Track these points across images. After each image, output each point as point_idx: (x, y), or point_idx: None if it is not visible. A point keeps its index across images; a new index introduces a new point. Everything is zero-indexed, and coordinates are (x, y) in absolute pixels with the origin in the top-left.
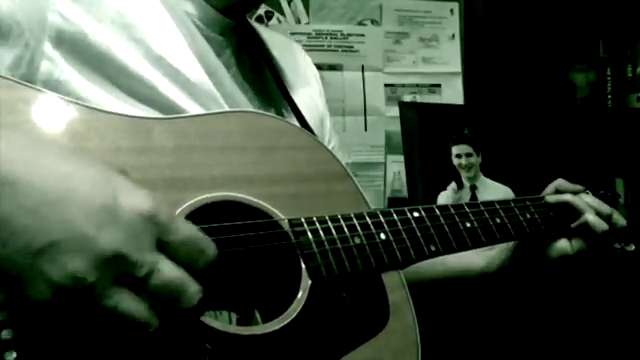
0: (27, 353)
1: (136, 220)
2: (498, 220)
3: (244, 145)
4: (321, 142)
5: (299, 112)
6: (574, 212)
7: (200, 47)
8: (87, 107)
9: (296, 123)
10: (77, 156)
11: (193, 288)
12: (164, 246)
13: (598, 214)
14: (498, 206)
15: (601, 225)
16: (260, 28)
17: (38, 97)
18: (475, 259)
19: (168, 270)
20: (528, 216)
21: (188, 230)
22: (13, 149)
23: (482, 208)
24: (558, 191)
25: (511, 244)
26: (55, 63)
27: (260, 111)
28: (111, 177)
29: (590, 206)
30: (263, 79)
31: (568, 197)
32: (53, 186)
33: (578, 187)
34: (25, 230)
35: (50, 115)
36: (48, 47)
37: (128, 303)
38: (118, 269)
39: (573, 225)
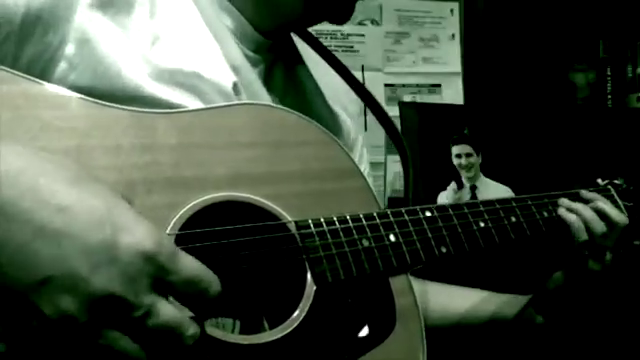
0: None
1: (135, 261)
2: (514, 219)
3: (251, 141)
4: (333, 136)
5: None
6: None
7: (235, 58)
8: (90, 101)
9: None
10: (81, 181)
11: (191, 330)
12: (165, 286)
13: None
14: (514, 204)
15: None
16: (300, 44)
17: (41, 91)
18: (506, 309)
19: (166, 311)
20: (545, 214)
21: (191, 268)
22: (16, 172)
23: (498, 206)
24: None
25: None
26: (73, 66)
27: (269, 103)
28: (113, 210)
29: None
30: (296, 99)
31: (572, 218)
32: (51, 218)
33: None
34: (21, 262)
35: (52, 110)
36: (70, 49)
37: (122, 343)
38: (112, 310)
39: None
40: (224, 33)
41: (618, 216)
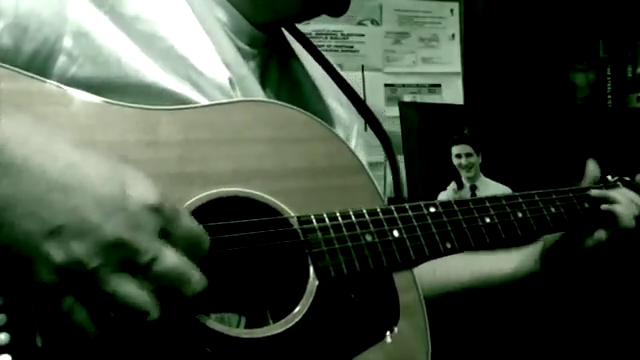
0: (21, 339)
1: (142, 210)
2: (520, 214)
3: (254, 137)
4: (336, 133)
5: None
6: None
7: (228, 53)
8: (93, 98)
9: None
10: (87, 145)
11: (196, 276)
12: (167, 236)
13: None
14: (521, 200)
15: (627, 221)
16: (291, 38)
17: (43, 88)
18: (504, 265)
19: (171, 258)
20: (553, 210)
21: (190, 223)
22: (25, 133)
23: (504, 202)
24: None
25: (539, 246)
26: (73, 59)
27: (272, 100)
28: (120, 167)
29: (629, 200)
30: (292, 93)
31: (608, 192)
32: (63, 172)
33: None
34: (33, 214)
35: (55, 107)
36: (68, 42)
37: (128, 288)
38: (121, 255)
39: (602, 207)
40: (216, 28)
41: None
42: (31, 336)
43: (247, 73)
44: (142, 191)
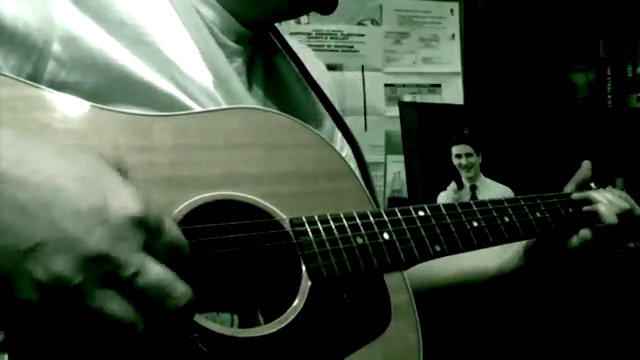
0: (19, 354)
1: (124, 222)
2: (507, 219)
3: (246, 142)
4: (326, 139)
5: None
6: (590, 204)
7: (212, 53)
8: (88, 104)
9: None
10: (69, 151)
11: (181, 289)
12: (151, 247)
13: (616, 210)
14: (507, 204)
15: (610, 218)
16: (280, 36)
17: (38, 95)
18: (490, 261)
19: (155, 271)
20: (538, 215)
21: (174, 233)
22: (5, 146)
23: (490, 207)
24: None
25: (524, 242)
26: (62, 64)
27: (263, 107)
28: (102, 176)
29: (609, 200)
30: (277, 89)
31: (590, 193)
32: (42, 185)
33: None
34: (12, 229)
35: (50, 112)
36: (56, 47)
37: (113, 304)
38: (103, 270)
39: (585, 209)
40: (201, 27)
41: (625, 204)
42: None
43: (231, 74)
44: (124, 202)
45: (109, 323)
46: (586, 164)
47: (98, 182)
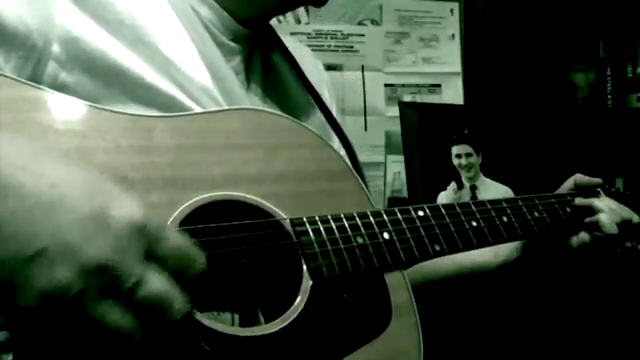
0: (23, 355)
1: (125, 230)
2: (505, 219)
3: (246, 143)
4: (325, 140)
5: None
6: (592, 212)
7: (210, 52)
8: (88, 105)
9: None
10: (72, 161)
11: (179, 302)
12: (153, 257)
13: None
14: (505, 204)
15: (611, 228)
16: (275, 34)
17: (39, 95)
18: (487, 254)
19: (155, 282)
20: (536, 215)
21: (177, 241)
22: (9, 153)
23: (489, 207)
24: (577, 186)
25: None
26: (62, 64)
27: (263, 109)
28: (104, 185)
29: (610, 209)
30: (275, 87)
31: (592, 200)
32: (45, 192)
33: (596, 180)
34: (15, 236)
35: (51, 113)
36: (56, 48)
37: (113, 314)
38: (104, 280)
39: (586, 220)
40: (198, 27)
41: (627, 212)
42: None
43: (229, 73)
44: (125, 211)
45: (109, 331)
46: (576, 178)
47: (101, 190)
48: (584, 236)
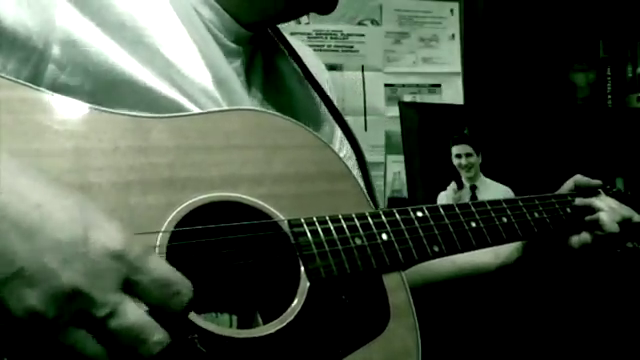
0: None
1: (103, 257)
2: (505, 220)
3: (245, 144)
4: (324, 141)
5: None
6: (592, 211)
7: (211, 53)
8: (87, 106)
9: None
10: (55, 185)
11: (156, 337)
12: (133, 286)
13: (616, 217)
14: (505, 205)
15: (611, 227)
16: (281, 35)
17: (38, 97)
18: (488, 255)
19: (131, 313)
20: (536, 215)
21: (160, 270)
22: None
23: (488, 207)
24: (577, 187)
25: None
26: (62, 67)
27: (262, 109)
28: (86, 209)
29: (610, 208)
30: (277, 88)
31: (592, 200)
32: (27, 213)
33: (596, 182)
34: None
35: (50, 114)
36: (56, 50)
37: (84, 344)
38: (77, 307)
39: (587, 219)
40: (200, 28)
41: (627, 211)
42: None
43: (230, 74)
44: (106, 235)
45: (82, 356)
46: (576, 179)
47: (83, 214)
48: (585, 236)
